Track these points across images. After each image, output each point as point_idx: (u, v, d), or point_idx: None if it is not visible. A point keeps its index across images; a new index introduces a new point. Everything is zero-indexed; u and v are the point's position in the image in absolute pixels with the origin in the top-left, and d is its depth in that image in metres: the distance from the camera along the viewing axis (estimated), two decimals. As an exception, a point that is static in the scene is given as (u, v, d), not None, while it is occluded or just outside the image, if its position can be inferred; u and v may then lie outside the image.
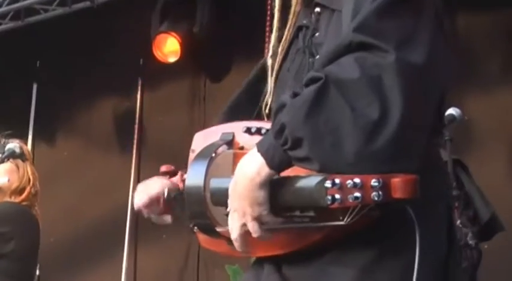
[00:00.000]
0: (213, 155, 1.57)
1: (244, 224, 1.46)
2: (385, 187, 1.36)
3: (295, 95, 1.44)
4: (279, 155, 1.42)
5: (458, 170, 3.64)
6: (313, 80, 1.41)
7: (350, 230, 1.42)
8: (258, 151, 1.44)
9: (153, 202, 1.76)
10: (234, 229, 1.48)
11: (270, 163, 1.43)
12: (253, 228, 1.45)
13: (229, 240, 1.53)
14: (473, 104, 4.43)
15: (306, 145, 1.38)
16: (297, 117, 1.39)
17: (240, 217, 1.46)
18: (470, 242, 3.49)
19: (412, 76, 1.37)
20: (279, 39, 1.69)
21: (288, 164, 1.43)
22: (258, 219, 1.44)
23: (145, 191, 1.77)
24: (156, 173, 1.80)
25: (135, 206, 1.77)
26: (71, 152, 5.94)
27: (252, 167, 1.43)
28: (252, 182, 1.43)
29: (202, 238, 1.65)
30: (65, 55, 5.91)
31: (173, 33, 5.34)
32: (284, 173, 1.45)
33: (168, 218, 1.80)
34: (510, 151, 4.48)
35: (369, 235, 1.45)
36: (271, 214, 1.44)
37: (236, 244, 1.50)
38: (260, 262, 1.60)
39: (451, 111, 3.61)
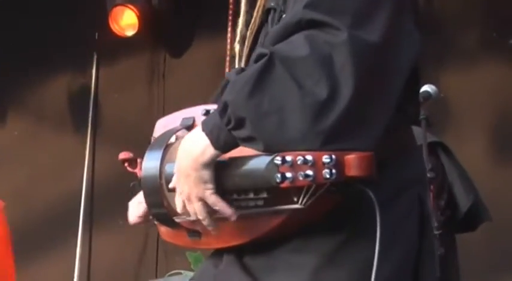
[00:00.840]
0: (172, 140, 1.54)
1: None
2: (338, 165, 1.33)
3: (242, 71, 1.44)
4: (224, 135, 1.41)
5: (439, 152, 3.48)
6: (259, 57, 1.41)
7: (312, 216, 1.40)
8: (203, 130, 1.43)
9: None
10: (179, 209, 1.48)
11: (215, 143, 1.42)
12: (198, 208, 1.44)
13: (189, 232, 1.52)
14: (449, 80, 4.38)
15: (248, 124, 1.38)
16: (240, 95, 1.39)
17: (185, 197, 1.45)
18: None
19: (366, 55, 1.36)
20: (246, 23, 1.68)
21: (234, 144, 1.42)
22: (202, 199, 1.44)
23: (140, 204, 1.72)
24: (112, 154, 1.72)
25: (131, 220, 1.74)
26: (21, 132, 5.76)
27: (197, 147, 1.43)
28: (196, 162, 1.42)
29: (163, 230, 1.62)
30: (15, 29, 5.70)
31: (130, 6, 5.21)
32: (232, 153, 1.43)
33: None
34: (488, 129, 4.44)
35: (333, 221, 1.43)
36: (218, 194, 1.43)
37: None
38: (219, 251, 1.57)
39: (427, 88, 3.47)
